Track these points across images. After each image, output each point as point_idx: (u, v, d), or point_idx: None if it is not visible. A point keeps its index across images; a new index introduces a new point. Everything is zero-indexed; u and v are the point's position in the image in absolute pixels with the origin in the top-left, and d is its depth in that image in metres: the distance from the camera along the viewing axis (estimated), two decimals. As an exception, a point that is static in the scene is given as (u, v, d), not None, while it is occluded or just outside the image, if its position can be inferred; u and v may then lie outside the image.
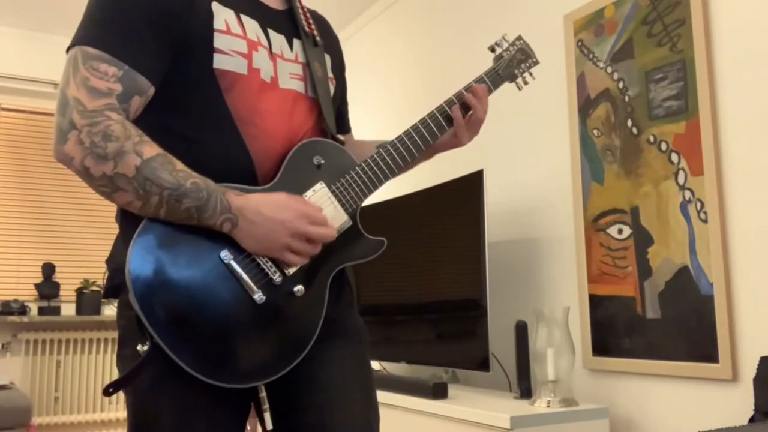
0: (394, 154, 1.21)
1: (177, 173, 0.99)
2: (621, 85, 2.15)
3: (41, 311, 3.93)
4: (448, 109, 1.27)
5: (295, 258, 1.06)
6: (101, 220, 4.21)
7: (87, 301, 3.98)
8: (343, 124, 1.40)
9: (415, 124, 1.25)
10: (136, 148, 0.97)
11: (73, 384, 3.94)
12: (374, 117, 3.61)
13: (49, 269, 4.00)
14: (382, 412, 1.90)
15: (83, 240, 4.18)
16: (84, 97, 0.97)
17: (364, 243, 1.18)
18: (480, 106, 1.29)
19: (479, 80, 1.33)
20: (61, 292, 4.04)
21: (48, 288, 3.99)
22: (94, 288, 4.04)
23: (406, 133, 1.24)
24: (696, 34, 1.93)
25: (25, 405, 3.13)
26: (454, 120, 1.27)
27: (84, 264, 4.15)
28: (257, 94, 1.11)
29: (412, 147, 1.23)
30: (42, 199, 4.10)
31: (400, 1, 3.47)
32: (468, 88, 1.29)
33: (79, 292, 4.00)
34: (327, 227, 1.08)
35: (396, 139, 1.23)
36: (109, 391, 0.98)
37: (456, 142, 1.32)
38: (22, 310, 3.84)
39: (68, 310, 4.02)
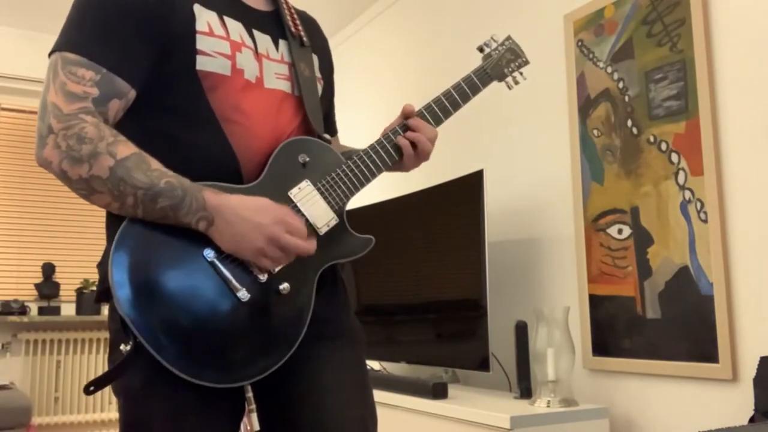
0: (381, 152, 1.22)
1: (151, 173, 0.99)
2: (621, 85, 2.15)
3: (41, 311, 3.93)
4: (393, 138, 1.24)
5: (268, 263, 1.04)
6: (101, 220, 4.21)
7: (87, 301, 3.98)
8: (329, 126, 1.39)
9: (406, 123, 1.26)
10: (109, 148, 0.97)
11: (73, 384, 3.94)
12: (371, 119, 3.61)
13: (49, 269, 4.00)
14: (382, 412, 1.90)
15: (83, 240, 4.18)
16: (60, 101, 0.98)
17: (351, 241, 1.18)
18: (424, 136, 1.23)
19: (467, 79, 1.33)
20: (61, 292, 4.04)
21: (48, 288, 3.99)
22: (94, 288, 4.04)
23: (393, 130, 1.24)
24: (696, 34, 1.93)
25: (25, 405, 3.13)
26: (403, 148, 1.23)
27: (84, 264, 4.15)
28: (241, 93, 1.11)
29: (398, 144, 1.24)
30: (42, 199, 4.10)
31: (397, 2, 3.47)
32: (404, 128, 1.24)
33: (79, 292, 4.00)
34: (303, 240, 1.06)
35: (383, 136, 1.23)
36: (89, 389, 0.97)
37: (401, 168, 1.28)
38: (22, 310, 3.84)
39: (68, 310, 4.02)
